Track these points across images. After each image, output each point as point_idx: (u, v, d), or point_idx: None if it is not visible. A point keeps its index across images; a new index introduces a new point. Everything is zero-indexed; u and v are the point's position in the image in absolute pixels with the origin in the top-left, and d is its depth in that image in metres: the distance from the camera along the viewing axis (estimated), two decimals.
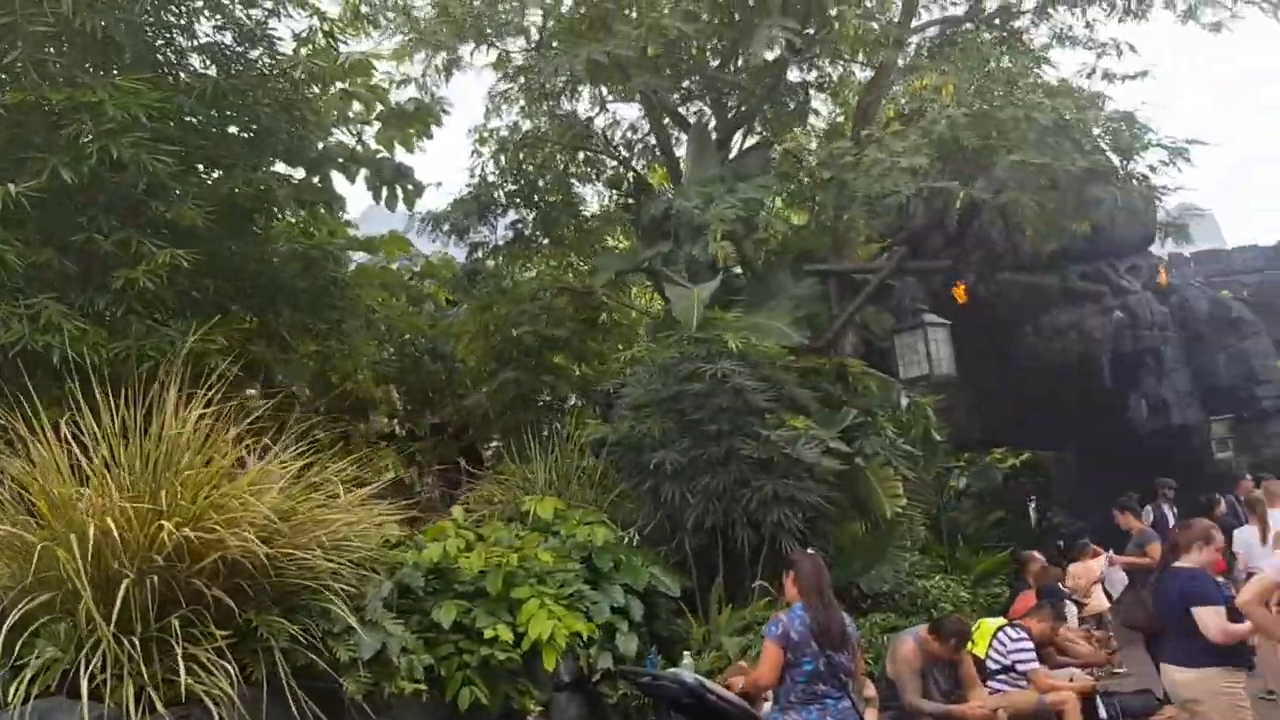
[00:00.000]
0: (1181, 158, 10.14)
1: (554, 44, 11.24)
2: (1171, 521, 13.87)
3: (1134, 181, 13.60)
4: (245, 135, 8.64)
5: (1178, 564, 6.02)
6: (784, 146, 12.93)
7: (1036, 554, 10.28)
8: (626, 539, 8.15)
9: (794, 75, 13.30)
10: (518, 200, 11.95)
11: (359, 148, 10.46)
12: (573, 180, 13.01)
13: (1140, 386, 15.89)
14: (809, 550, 6.01)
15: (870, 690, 6.44)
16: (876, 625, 7.78)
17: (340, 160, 10.20)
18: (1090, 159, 8.47)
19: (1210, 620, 5.62)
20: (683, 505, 8.10)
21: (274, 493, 5.53)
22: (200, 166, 8.57)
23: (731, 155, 11.82)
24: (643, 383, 8.57)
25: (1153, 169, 10.30)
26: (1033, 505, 19.41)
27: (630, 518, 8.64)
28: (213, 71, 8.48)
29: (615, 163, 12.83)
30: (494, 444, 13.25)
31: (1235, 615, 5.80)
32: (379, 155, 10.75)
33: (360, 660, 5.36)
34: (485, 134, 12.04)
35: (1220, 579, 6.37)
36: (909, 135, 8.64)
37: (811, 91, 13.67)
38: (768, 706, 5.85)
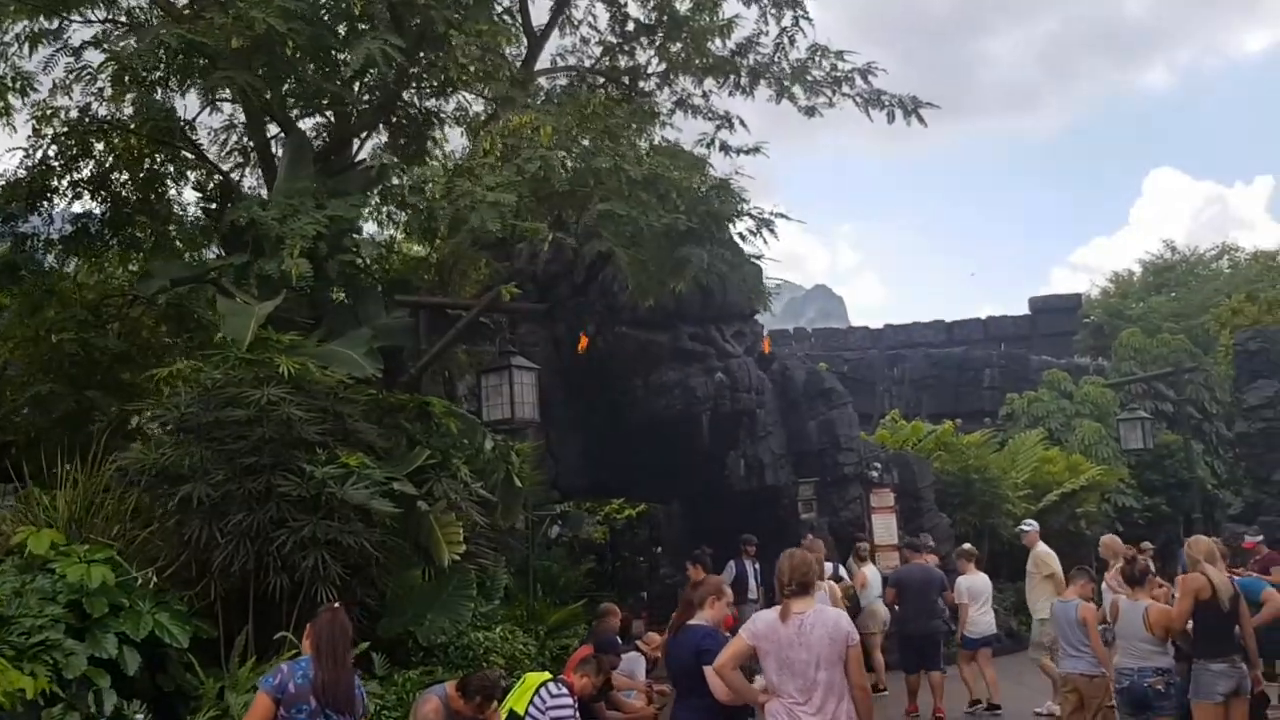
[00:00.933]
0: (768, 229, 10.74)
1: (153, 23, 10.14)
2: (751, 576, 14.61)
3: (735, 247, 14.40)
4: None
5: (692, 621, 6.02)
6: (409, 175, 12.47)
7: (613, 606, 10.22)
8: (142, 581, 7.15)
9: (431, 103, 12.94)
10: (86, 191, 10.56)
11: None
12: (165, 180, 11.75)
13: (738, 446, 16.74)
14: (336, 603, 5.57)
15: None
16: (411, 681, 7.29)
17: None
18: (674, 217, 8.61)
19: (716, 679, 5.61)
20: (211, 545, 7.23)
21: None
22: None
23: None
24: (180, 406, 7.63)
25: (742, 237, 10.84)
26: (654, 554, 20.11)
27: (160, 557, 7.65)
28: None
29: (209, 165, 11.74)
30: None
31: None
32: None
33: None
34: (49, 112, 10.55)
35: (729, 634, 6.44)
36: (503, 171, 8.41)
37: (448, 123, 13.36)
38: None
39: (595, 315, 15.44)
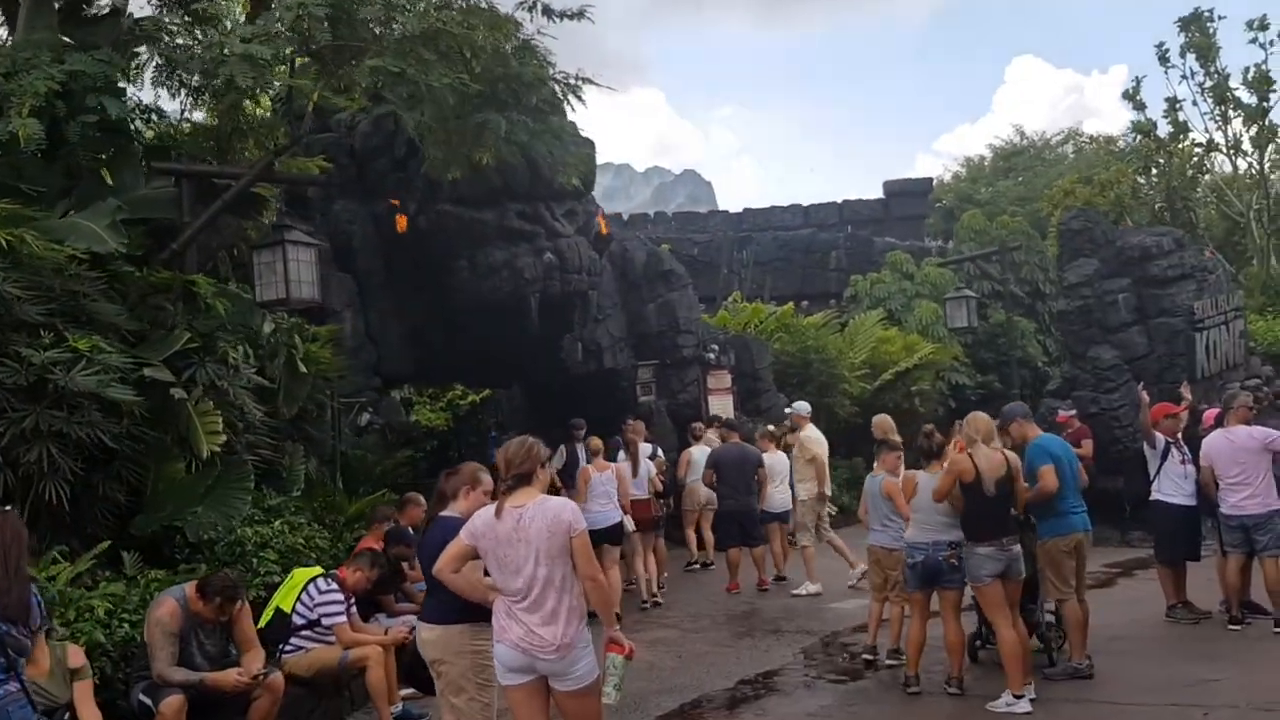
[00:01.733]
0: (575, 95, 10.11)
1: None
2: (583, 461, 14.38)
3: (567, 121, 13.63)
4: None
5: (445, 513, 5.61)
6: (196, 34, 11.27)
7: (416, 495, 9.73)
8: None
9: None
10: None
11: None
12: None
13: (574, 329, 16.33)
14: (8, 507, 4.96)
15: (78, 659, 5.37)
16: (158, 581, 6.72)
17: None
18: (456, 77, 7.88)
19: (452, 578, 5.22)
20: None
21: None
22: None
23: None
24: None
25: (546, 103, 10.18)
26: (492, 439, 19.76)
27: None
28: None
29: None
30: None
31: None
32: None
33: None
34: None
35: None
36: (262, 21, 7.51)
37: None
38: None
39: (417, 192, 14.58)
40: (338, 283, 14.15)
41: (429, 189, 14.47)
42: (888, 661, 8.28)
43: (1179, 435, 9.80)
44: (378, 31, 7.77)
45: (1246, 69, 21.37)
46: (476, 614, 5.16)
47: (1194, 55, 21.95)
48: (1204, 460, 9.29)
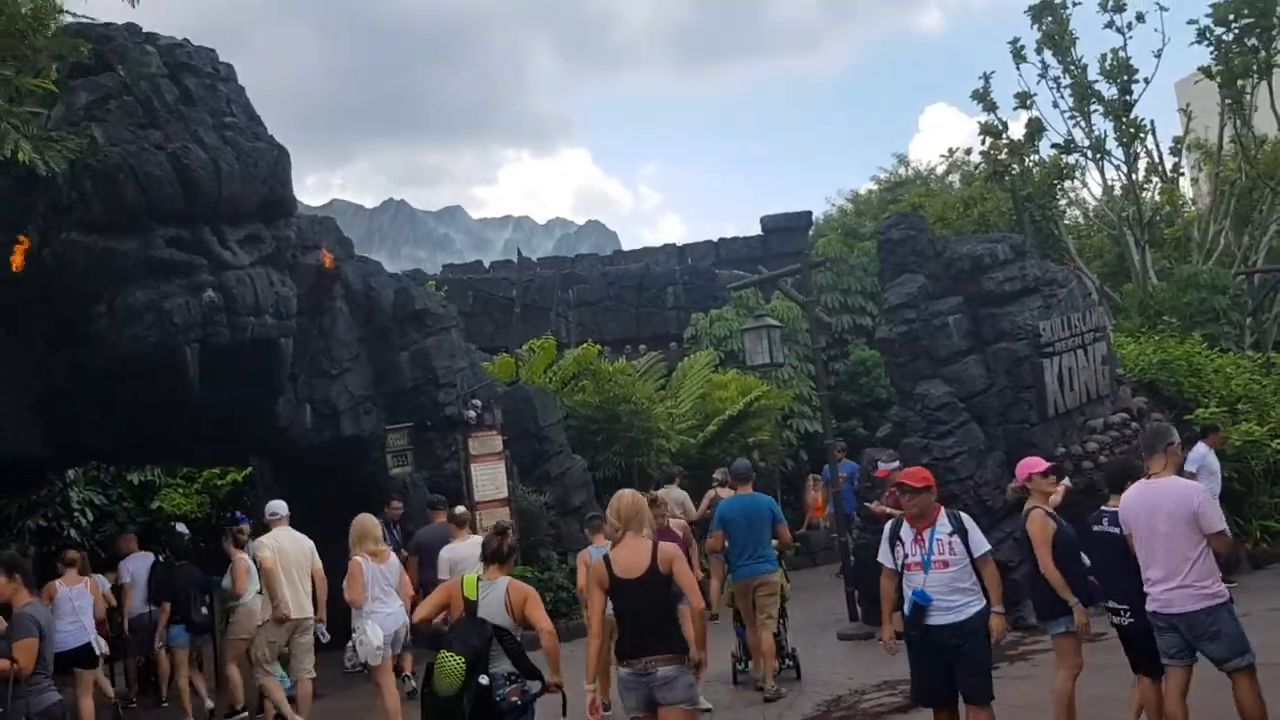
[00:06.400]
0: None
1: None
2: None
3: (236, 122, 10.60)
4: None
5: None
6: None
7: None
8: None
9: None
10: None
11: None
12: None
13: (278, 387, 12.87)
14: None
15: None
16: None
17: None
18: None
19: None
20: None
21: None
22: None
23: None
24: None
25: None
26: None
27: None
28: None
29: None
30: None
31: None
32: None
33: None
34: None
35: None
36: None
37: None
38: None
39: (37, 218, 11.21)
40: None
41: (52, 213, 11.09)
42: None
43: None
44: None
45: (1104, 56, 18.73)
46: None
47: (1050, 49, 19.34)
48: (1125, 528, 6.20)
